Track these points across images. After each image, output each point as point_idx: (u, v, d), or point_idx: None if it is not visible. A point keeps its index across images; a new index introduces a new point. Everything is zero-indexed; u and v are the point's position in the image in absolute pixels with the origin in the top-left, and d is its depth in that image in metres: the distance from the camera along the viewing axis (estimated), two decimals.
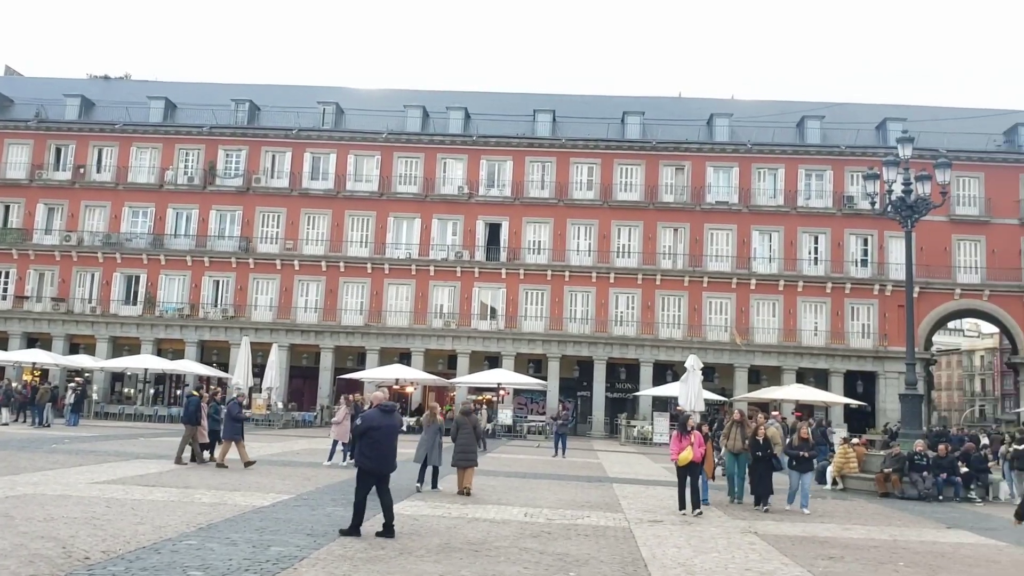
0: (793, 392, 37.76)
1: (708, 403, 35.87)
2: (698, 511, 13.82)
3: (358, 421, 11.02)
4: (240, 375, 35.12)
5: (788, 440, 17.20)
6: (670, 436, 17.05)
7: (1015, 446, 20.42)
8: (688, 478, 14.10)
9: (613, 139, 47.26)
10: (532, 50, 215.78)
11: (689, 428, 14.35)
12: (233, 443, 18.72)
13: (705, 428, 16.56)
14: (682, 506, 14.08)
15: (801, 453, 15.74)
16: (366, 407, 15.88)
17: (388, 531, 10.38)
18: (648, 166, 46.80)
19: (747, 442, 15.96)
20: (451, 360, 46.20)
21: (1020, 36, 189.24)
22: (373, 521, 10.59)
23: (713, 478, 16.65)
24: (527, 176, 47.06)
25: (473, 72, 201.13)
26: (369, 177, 47.46)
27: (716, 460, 17.38)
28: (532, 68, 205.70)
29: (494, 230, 46.87)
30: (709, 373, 41.26)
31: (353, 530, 10.35)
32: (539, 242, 46.54)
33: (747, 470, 16.13)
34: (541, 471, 21.66)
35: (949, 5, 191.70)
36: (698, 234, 45.96)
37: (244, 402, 21.08)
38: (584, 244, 46.42)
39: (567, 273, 45.76)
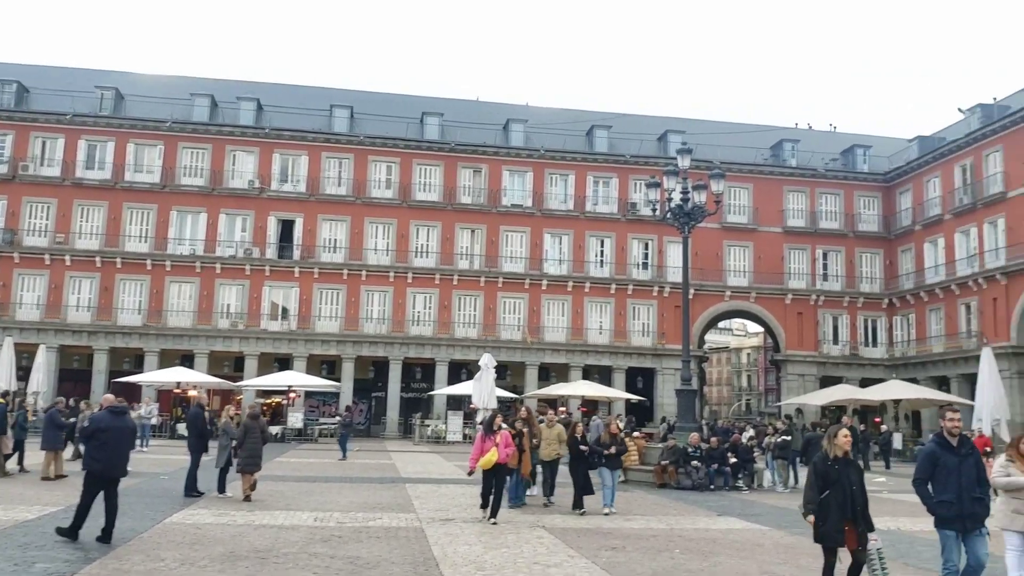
0: (580, 388, 39.27)
1: (500, 400, 36.63)
2: (493, 520, 12.76)
3: (85, 423, 10.61)
4: (1, 378, 32.05)
5: (597, 437, 16.27)
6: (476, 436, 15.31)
7: (778, 438, 22.17)
8: (494, 481, 13.09)
9: (412, 139, 47.21)
10: (330, 44, 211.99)
11: (495, 427, 13.33)
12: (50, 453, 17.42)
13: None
14: (485, 504, 13.23)
15: (608, 450, 14.94)
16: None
17: (106, 536, 9.98)
18: (447, 167, 47.12)
19: (563, 442, 15.45)
20: (238, 362, 44.42)
21: (785, 57, 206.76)
22: (157, 529, 9.95)
23: (532, 479, 15.88)
24: (323, 172, 46.09)
25: (267, 63, 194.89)
26: (151, 168, 44.74)
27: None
28: (329, 62, 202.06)
29: (287, 227, 45.54)
30: (502, 371, 42.14)
31: (71, 532, 9.95)
32: (335, 240, 45.68)
33: (563, 470, 15.63)
34: (332, 474, 21.26)
35: (722, 27, 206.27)
36: (494, 235, 46.79)
37: (63, 408, 19.35)
38: (382, 243, 46.06)
39: (364, 272, 45.23)
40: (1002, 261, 40.76)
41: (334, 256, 45.41)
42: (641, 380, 47.28)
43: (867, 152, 52.01)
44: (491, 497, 13.08)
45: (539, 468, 16.02)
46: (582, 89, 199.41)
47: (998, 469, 8.46)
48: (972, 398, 31.13)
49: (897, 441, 39.35)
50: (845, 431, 7.74)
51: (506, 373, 44.91)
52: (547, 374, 46.83)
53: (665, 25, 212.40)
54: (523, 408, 16.17)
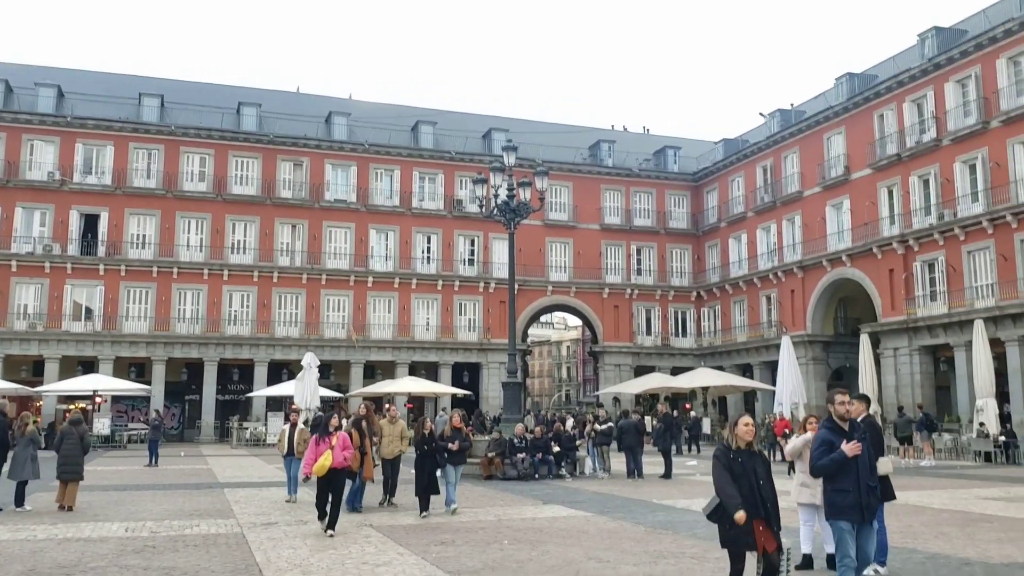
0: (406, 385, 39.08)
1: (323, 400, 35.87)
2: (331, 532, 11.46)
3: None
4: None
5: (440, 432, 15.20)
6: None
7: (597, 426, 22.91)
8: (331, 489, 11.71)
9: (228, 129, 45.32)
10: (139, 30, 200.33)
11: (331, 429, 11.98)
12: None
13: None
14: (322, 515, 11.91)
15: (451, 444, 14.18)
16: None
17: None
18: (265, 160, 45.59)
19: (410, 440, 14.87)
20: (37, 366, 41.15)
21: (602, 59, 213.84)
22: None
23: (370, 480, 14.65)
24: (131, 164, 43.45)
25: (70, 48, 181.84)
26: None
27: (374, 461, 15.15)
28: (139, 49, 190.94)
29: (91, 221, 42.63)
30: (325, 370, 41.26)
31: None
32: (144, 236, 43.20)
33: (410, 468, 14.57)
34: (143, 481, 20.14)
35: (542, 30, 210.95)
36: (316, 231, 45.73)
37: None
38: (195, 239, 43.96)
39: (175, 270, 43.02)
40: (799, 256, 43.91)
41: (143, 253, 42.93)
42: (467, 375, 47.63)
43: (677, 153, 54.69)
44: (328, 507, 11.74)
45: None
46: (406, 84, 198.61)
47: (791, 442, 9.20)
48: (773, 384, 33.42)
49: (706, 426, 41.66)
50: (747, 419, 6.93)
51: (330, 372, 44.02)
52: (373, 372, 46.31)
53: (487, 25, 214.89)
54: (362, 405, 15.38)
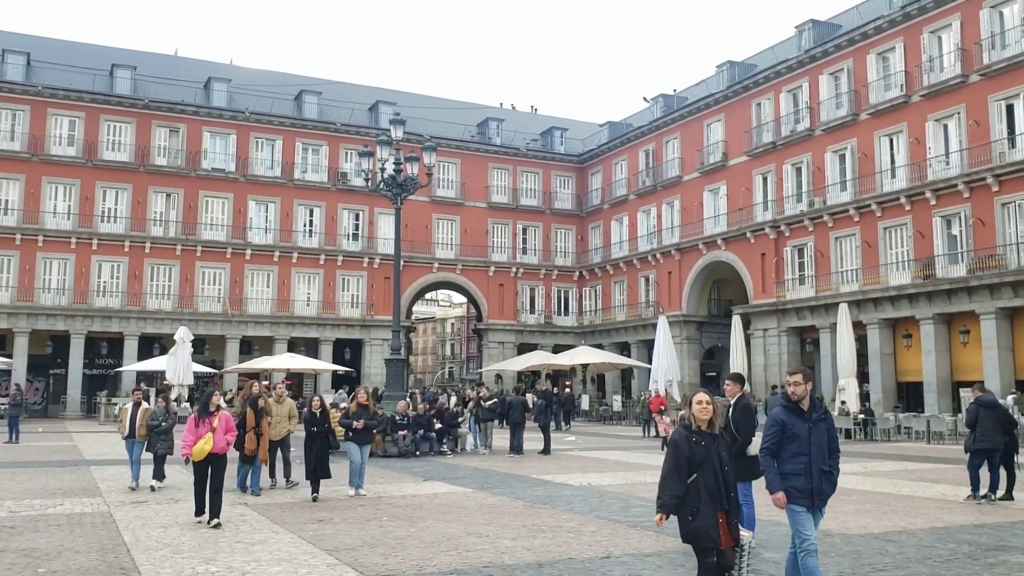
0: (284, 361, 38.29)
1: (197, 376, 34.83)
2: (216, 522, 10.21)
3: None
4: None
5: (345, 411, 14.39)
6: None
7: (483, 403, 23.06)
8: (210, 475, 10.40)
9: (100, 92, 43.04)
10: None
11: (213, 408, 10.64)
12: None
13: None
14: (200, 510, 10.55)
15: (357, 423, 13.39)
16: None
17: None
18: (139, 125, 43.57)
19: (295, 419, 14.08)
20: None
21: (492, 36, 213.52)
22: None
23: (266, 463, 13.78)
24: None
25: None
26: None
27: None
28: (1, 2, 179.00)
29: None
30: (200, 345, 40.07)
31: None
32: (7, 201, 40.79)
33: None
34: (2, 459, 19.09)
35: (435, 2, 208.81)
36: (192, 201, 44.13)
37: None
38: (63, 206, 41.73)
39: (40, 238, 40.80)
40: (677, 239, 45.16)
41: (5, 219, 40.49)
42: (349, 351, 47.06)
43: (564, 134, 55.27)
44: (207, 495, 10.49)
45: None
46: (291, 52, 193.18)
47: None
48: (650, 362, 34.34)
49: (584, 402, 42.56)
50: (701, 396, 6.12)
51: (204, 347, 42.77)
52: (250, 347, 45.13)
53: None
54: (254, 383, 14.33)
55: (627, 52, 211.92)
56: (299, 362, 38.46)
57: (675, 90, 50.03)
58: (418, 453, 20.49)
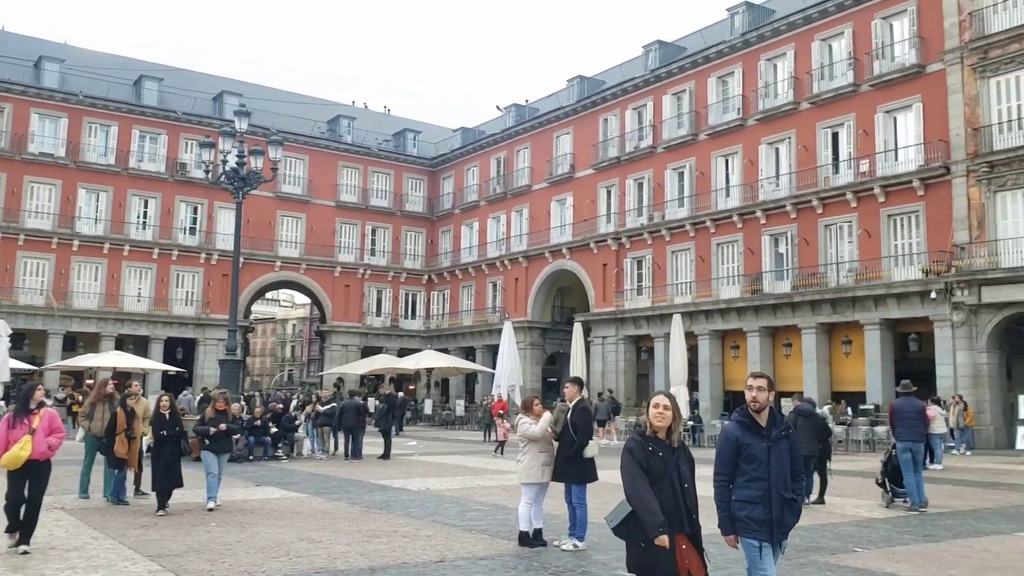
0: (111, 359, 36.21)
1: (15, 372, 32.46)
2: (25, 548, 8.52)
3: None
4: None
5: (202, 416, 13.04)
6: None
7: (319, 407, 22.58)
8: (28, 488, 8.69)
9: None
10: None
11: (34, 406, 8.89)
12: None
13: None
14: (13, 527, 8.75)
15: (214, 428, 12.17)
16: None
17: None
18: None
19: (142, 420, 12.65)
20: None
21: (349, 34, 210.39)
22: None
23: (140, 470, 12.72)
24: None
25: None
26: None
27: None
28: None
29: None
30: (18, 340, 37.35)
31: None
32: None
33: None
34: None
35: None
36: (16, 186, 41.17)
37: None
38: None
39: None
40: (525, 246, 45.87)
41: None
42: (181, 351, 45.01)
43: (417, 137, 55.12)
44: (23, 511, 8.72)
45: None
46: (131, 35, 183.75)
47: (522, 425, 9.54)
48: (494, 367, 34.65)
49: (428, 407, 42.47)
50: (659, 399, 5.30)
51: (23, 342, 39.92)
52: (74, 344, 42.47)
53: None
54: (105, 379, 13.03)
55: (482, 60, 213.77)
56: (127, 361, 36.42)
57: (527, 101, 50.87)
58: (251, 458, 19.84)
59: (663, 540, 4.88)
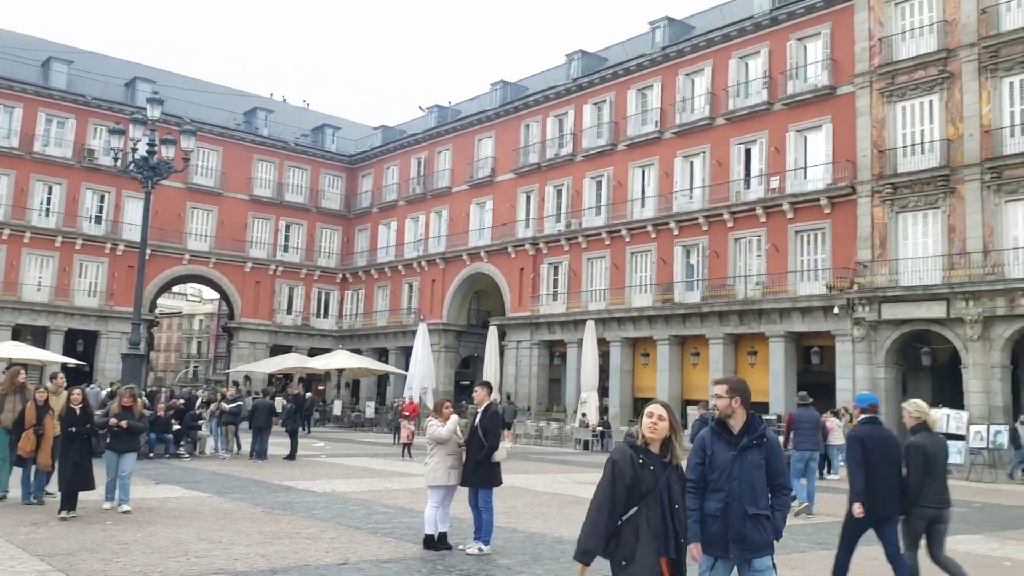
0: (7, 350, 34.65)
1: None
2: None
3: None
4: None
5: (105, 409, 12.58)
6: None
7: (225, 405, 22.01)
8: None
9: None
10: None
11: None
12: None
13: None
14: None
15: (118, 424, 11.33)
16: None
17: None
18: None
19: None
20: None
21: (269, 24, 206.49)
22: None
23: (52, 469, 11.55)
24: None
25: None
26: None
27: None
28: None
29: None
30: None
31: None
32: None
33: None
34: None
35: None
36: None
37: None
38: None
39: None
40: (443, 248, 45.73)
41: None
42: (82, 343, 43.39)
43: (336, 133, 54.42)
44: None
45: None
46: (40, 14, 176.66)
47: (430, 427, 9.52)
48: (407, 369, 34.45)
49: (337, 408, 41.96)
50: (655, 408, 4.72)
51: None
52: None
53: None
54: (18, 369, 12.23)
55: (405, 60, 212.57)
56: (24, 352, 34.87)
57: (450, 102, 50.78)
58: (152, 455, 19.25)
59: (579, 569, 4.53)
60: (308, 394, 37.01)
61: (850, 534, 7.27)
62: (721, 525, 4.99)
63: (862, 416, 7.72)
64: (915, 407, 7.42)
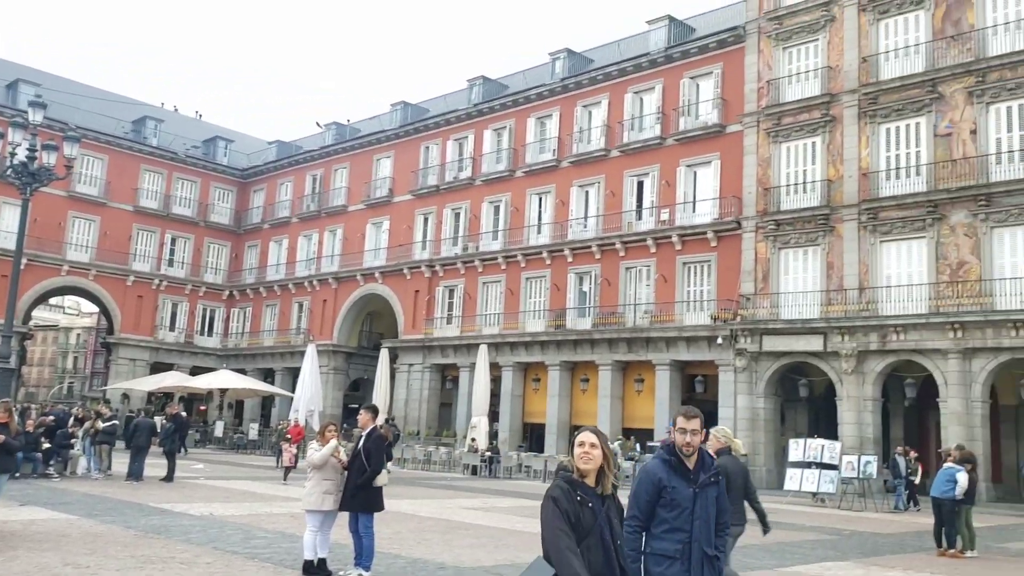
0: None
1: None
2: None
3: None
4: None
5: None
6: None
7: (100, 423, 21.08)
8: None
9: None
10: None
11: None
12: None
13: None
14: None
15: None
16: None
17: None
18: None
19: None
20: None
21: (161, 31, 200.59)
22: None
23: None
24: None
25: None
26: None
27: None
28: None
29: None
30: None
31: None
32: None
33: None
34: None
35: None
36: None
37: None
38: None
39: None
40: (336, 267, 45.07)
41: None
42: None
43: (229, 146, 53.16)
44: None
45: None
46: None
47: (310, 451, 9.33)
48: (294, 390, 33.70)
49: (219, 429, 40.72)
50: (586, 437, 4.41)
51: None
52: None
53: None
54: None
55: (304, 76, 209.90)
56: None
57: (349, 121, 50.35)
58: (18, 475, 18.20)
59: None
60: (184, 413, 35.80)
61: None
62: (681, 568, 4.60)
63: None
64: (721, 433, 8.10)
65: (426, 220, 41.70)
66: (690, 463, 4.74)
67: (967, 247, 24.92)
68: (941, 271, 25.26)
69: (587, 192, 35.46)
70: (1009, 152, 24.71)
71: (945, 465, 13.95)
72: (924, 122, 26.33)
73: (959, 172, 25.29)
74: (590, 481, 4.30)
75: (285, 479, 22.22)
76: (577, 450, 4.35)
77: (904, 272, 26.07)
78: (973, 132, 25.29)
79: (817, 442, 23.75)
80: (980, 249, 24.65)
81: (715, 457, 5.36)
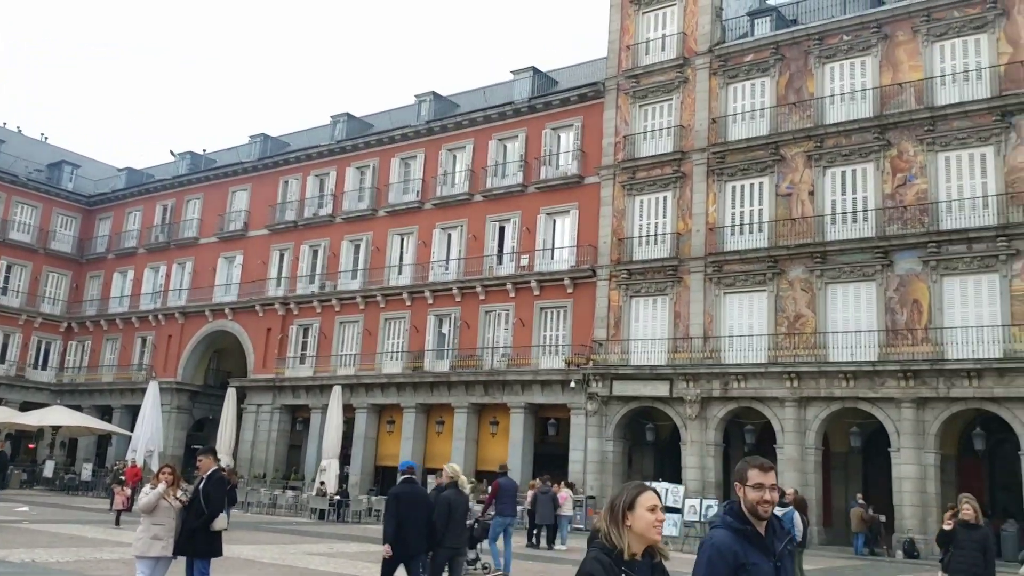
0: None
1: None
2: None
3: None
4: None
5: None
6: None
7: None
8: None
9: None
10: None
11: None
12: None
13: None
14: None
15: None
16: None
17: None
18: None
19: None
20: None
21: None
22: None
23: None
24: None
25: None
26: None
27: None
28: None
29: None
30: None
31: None
32: None
33: None
34: None
35: None
36: None
37: None
38: None
39: None
40: (183, 302, 43.25)
41: None
42: None
43: (75, 171, 50.54)
44: None
45: None
46: None
47: (142, 494, 8.83)
48: (132, 429, 32.01)
49: (49, 469, 38.09)
50: (653, 499, 3.64)
51: None
52: None
53: None
54: None
55: (157, 100, 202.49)
56: None
57: (205, 151, 48.89)
58: None
59: None
60: (5, 452, 33.43)
61: (386, 570, 9.07)
62: None
63: (403, 477, 9.49)
64: (451, 469, 9.52)
65: (282, 256, 40.73)
66: (761, 528, 3.85)
67: (803, 301, 26.41)
68: (780, 323, 26.64)
69: (450, 235, 35.59)
70: (843, 213, 26.45)
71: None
72: (767, 182, 27.90)
73: (798, 230, 26.88)
74: (637, 550, 3.51)
75: (117, 523, 20.96)
76: (648, 517, 3.52)
77: (746, 323, 27.34)
78: (811, 193, 26.99)
79: (662, 486, 24.36)
80: (815, 303, 26.17)
81: (780, 518, 4.29)
